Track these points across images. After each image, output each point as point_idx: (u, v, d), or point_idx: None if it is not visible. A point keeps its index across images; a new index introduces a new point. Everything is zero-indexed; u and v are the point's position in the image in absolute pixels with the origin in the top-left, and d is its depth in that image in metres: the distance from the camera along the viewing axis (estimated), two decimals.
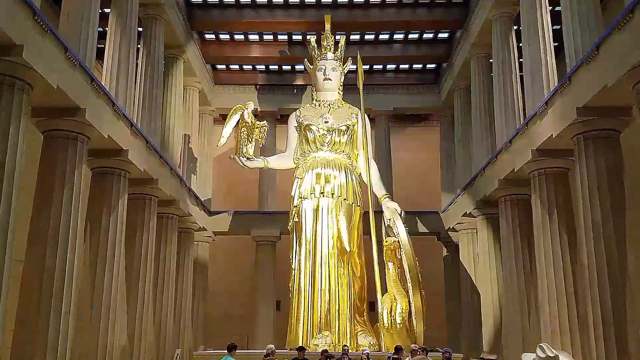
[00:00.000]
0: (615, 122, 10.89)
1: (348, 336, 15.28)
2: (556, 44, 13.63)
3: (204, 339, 19.66)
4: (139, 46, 15.44)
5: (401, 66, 22.49)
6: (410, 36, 20.79)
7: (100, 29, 13.23)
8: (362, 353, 12.10)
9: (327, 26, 18.18)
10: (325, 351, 11.79)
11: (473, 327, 17.77)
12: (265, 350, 11.33)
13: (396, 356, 10.81)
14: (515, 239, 14.55)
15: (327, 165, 16.75)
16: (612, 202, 10.55)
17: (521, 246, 14.42)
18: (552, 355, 4.15)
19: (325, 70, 17.67)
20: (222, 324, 21.99)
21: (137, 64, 14.95)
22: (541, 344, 4.37)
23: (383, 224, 16.20)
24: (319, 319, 15.45)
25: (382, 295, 14.98)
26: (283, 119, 20.99)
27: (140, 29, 15.45)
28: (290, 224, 16.87)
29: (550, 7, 13.62)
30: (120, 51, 13.44)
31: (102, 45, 13.80)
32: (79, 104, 10.67)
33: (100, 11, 12.51)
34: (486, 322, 16.47)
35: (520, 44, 14.31)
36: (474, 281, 18.02)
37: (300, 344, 14.12)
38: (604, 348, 10.06)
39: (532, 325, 13.74)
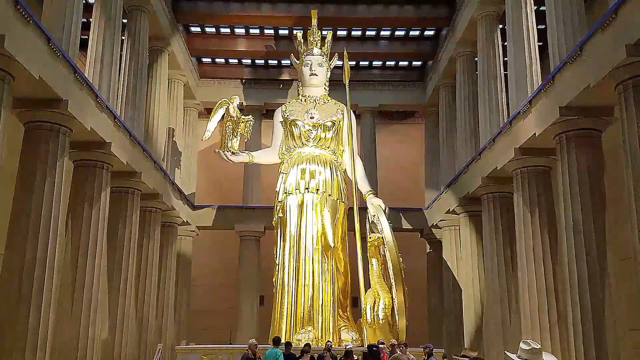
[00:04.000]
0: (597, 122, 11.03)
1: (331, 331, 15.33)
2: (540, 43, 13.76)
3: (187, 334, 19.58)
4: (123, 38, 15.27)
5: (387, 63, 22.55)
6: (396, 33, 20.83)
7: (84, 20, 13.06)
8: (346, 348, 12.15)
9: (314, 21, 18.14)
10: (307, 345, 11.82)
11: (454, 323, 17.95)
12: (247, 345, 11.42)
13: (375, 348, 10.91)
14: (497, 236, 14.70)
15: (312, 161, 16.75)
16: (592, 200, 10.71)
17: (503, 243, 14.58)
18: (537, 347, 4.26)
19: (311, 65, 17.63)
20: (205, 318, 21.92)
21: (121, 55, 14.79)
22: (525, 339, 4.47)
23: (367, 220, 16.27)
24: (302, 314, 15.48)
25: (366, 291, 15.06)
26: (269, 113, 20.94)
27: (124, 21, 15.28)
28: (274, 219, 16.86)
29: (535, 7, 13.73)
30: (104, 42, 13.28)
31: (86, 36, 13.62)
32: (61, 96, 10.53)
33: (84, 1, 12.35)
34: (467, 317, 16.64)
35: (505, 43, 14.42)
36: (456, 277, 18.18)
37: (284, 339, 14.13)
38: (583, 343, 10.23)
39: (512, 321, 13.91)
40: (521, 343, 4.33)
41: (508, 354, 4.48)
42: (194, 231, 20.74)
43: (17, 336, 9.84)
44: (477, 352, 8.04)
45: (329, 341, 13.30)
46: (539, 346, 4.31)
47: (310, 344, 12.76)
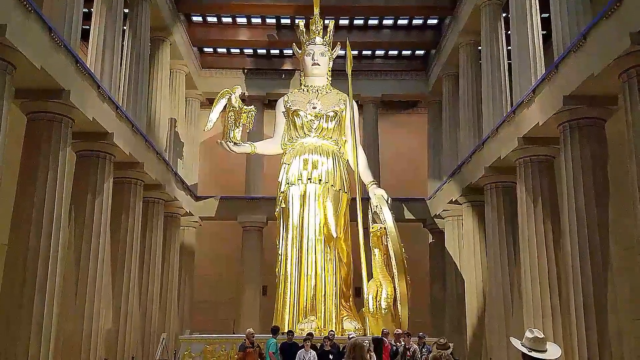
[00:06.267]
0: (601, 110, 10.97)
1: (334, 321, 15.39)
2: (544, 32, 13.66)
3: (190, 324, 19.68)
4: (124, 28, 15.19)
5: (390, 52, 22.43)
6: (399, 22, 20.71)
7: (86, 10, 12.99)
8: (349, 337, 12.20)
9: (316, 10, 18.03)
10: (309, 334, 11.88)
11: (457, 312, 17.99)
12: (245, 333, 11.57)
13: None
14: (500, 226, 14.68)
15: (315, 151, 16.72)
16: (595, 190, 10.67)
17: (506, 233, 14.56)
18: (541, 336, 4.31)
19: (313, 55, 17.56)
20: (208, 308, 22.01)
21: (122, 45, 14.73)
22: (530, 328, 4.53)
23: (370, 210, 16.28)
24: (305, 304, 15.54)
25: (368, 281, 15.09)
26: (271, 104, 20.88)
27: (126, 10, 15.20)
28: (277, 209, 16.87)
29: None
30: (105, 33, 13.23)
31: (87, 27, 13.57)
32: (63, 86, 10.51)
33: None
34: (470, 307, 16.67)
35: (509, 32, 14.32)
36: (459, 267, 18.19)
37: (287, 329, 14.20)
38: (585, 333, 10.24)
39: (514, 311, 13.93)
40: (526, 331, 4.37)
41: (512, 340, 4.52)
42: (196, 222, 20.78)
43: (21, 327, 9.88)
44: (445, 339, 8.75)
45: (331, 331, 13.37)
46: (543, 335, 4.34)
47: (313, 333, 12.82)
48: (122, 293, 14.04)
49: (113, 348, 13.65)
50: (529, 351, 4.23)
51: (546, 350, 4.26)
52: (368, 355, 7.45)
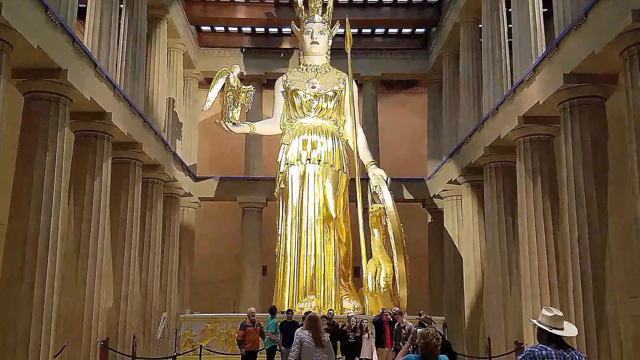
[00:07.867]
0: (602, 89, 10.90)
1: (333, 300, 15.52)
2: (545, 9, 13.52)
3: (191, 304, 19.80)
4: (121, 6, 15.01)
5: (390, 30, 22.21)
6: None
7: None
8: (348, 316, 12.29)
9: None
10: (309, 313, 11.95)
11: (455, 292, 18.10)
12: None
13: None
14: (499, 206, 14.71)
15: (314, 131, 16.68)
16: (595, 169, 10.65)
17: (504, 212, 14.59)
18: (560, 315, 4.43)
19: (312, 33, 17.39)
20: (208, 288, 22.14)
21: (119, 24, 14.57)
22: (548, 307, 4.63)
23: (369, 190, 16.29)
24: (304, 283, 15.65)
25: (367, 261, 15.17)
26: (269, 83, 20.74)
27: None
28: (276, 190, 16.88)
29: None
30: (102, 11, 13.09)
31: (84, 5, 13.41)
32: (60, 65, 10.42)
33: None
34: (468, 286, 16.78)
35: (510, 10, 14.17)
36: (457, 247, 18.26)
37: (287, 308, 14.30)
38: (583, 312, 10.31)
39: (513, 290, 14.02)
40: (543, 309, 4.47)
41: (530, 319, 4.61)
42: (196, 202, 20.80)
43: (22, 307, 9.91)
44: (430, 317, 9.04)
45: (330, 309, 13.48)
46: (562, 314, 4.43)
47: (312, 311, 12.89)
48: (122, 273, 14.10)
49: (114, 328, 13.76)
50: (550, 329, 4.28)
51: (564, 328, 4.35)
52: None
